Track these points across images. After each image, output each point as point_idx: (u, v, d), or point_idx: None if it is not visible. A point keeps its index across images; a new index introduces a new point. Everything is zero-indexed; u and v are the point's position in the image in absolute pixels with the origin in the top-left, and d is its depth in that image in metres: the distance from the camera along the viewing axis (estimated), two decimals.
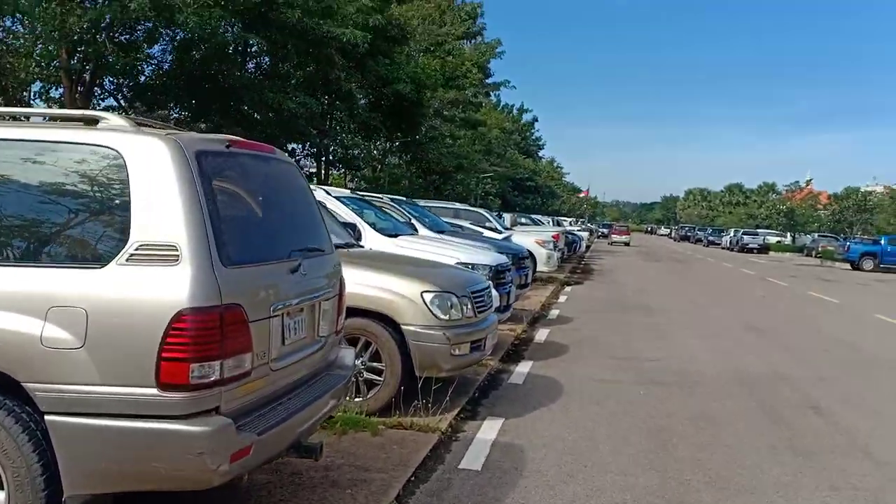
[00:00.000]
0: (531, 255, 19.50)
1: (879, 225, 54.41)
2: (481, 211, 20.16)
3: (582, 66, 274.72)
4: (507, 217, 25.25)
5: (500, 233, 17.67)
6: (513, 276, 11.46)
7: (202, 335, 2.84)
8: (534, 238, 20.05)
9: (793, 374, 9.07)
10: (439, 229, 12.14)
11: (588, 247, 45.48)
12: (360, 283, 5.56)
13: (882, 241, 38.37)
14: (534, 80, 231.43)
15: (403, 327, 5.72)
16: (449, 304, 5.90)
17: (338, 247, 6.45)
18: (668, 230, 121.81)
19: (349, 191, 11.11)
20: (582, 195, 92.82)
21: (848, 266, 38.40)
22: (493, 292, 8.45)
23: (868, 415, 7.29)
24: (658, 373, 8.74)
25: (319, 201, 7.67)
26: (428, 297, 5.81)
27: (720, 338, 11.78)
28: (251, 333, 3.06)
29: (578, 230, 39.78)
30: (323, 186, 9.97)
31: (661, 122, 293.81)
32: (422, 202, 20.84)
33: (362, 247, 7.28)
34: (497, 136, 46.07)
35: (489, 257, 9.14)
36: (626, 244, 57.94)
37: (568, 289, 19.01)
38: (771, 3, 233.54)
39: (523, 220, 27.82)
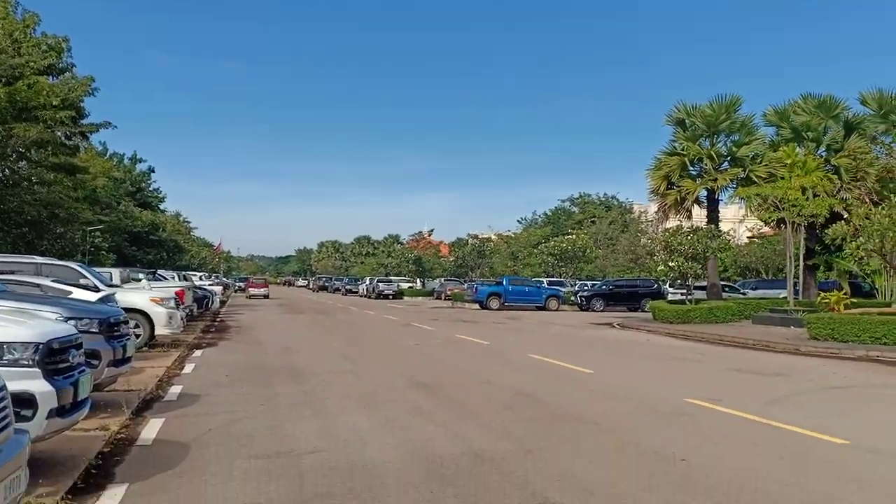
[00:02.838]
0: (147, 317, 15.68)
1: (496, 267, 59.63)
2: (74, 265, 15.57)
3: (200, 120, 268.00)
4: (116, 272, 20.55)
5: (98, 291, 13.46)
6: (101, 350, 7.86)
7: None
8: (149, 296, 16.12)
9: (492, 449, 6.96)
10: None
11: (223, 302, 41.49)
12: None
13: (504, 282, 41.24)
14: (150, 130, 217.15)
15: None
16: None
17: None
18: (307, 281, 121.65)
19: None
20: (214, 249, 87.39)
21: (477, 306, 40.36)
22: (41, 388, 4.94)
23: (608, 500, 5.34)
24: (323, 475, 5.93)
25: None
26: None
27: (389, 404, 9.43)
28: None
29: (210, 285, 35.68)
30: None
31: (288, 180, 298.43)
32: None
33: None
34: (105, 186, 39.82)
35: (33, 330, 5.47)
36: (266, 297, 55.04)
37: (197, 353, 15.41)
38: (374, 72, 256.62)
39: (140, 275, 23.19)
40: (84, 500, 5.23)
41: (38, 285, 12.70)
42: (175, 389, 10.35)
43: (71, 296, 12.37)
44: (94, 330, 8.00)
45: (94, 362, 7.85)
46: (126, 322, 8.91)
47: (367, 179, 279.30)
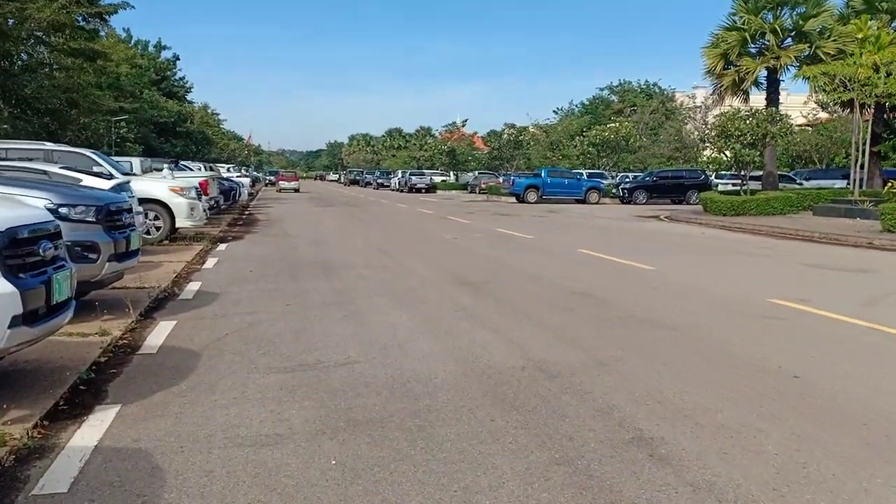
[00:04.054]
0: (167, 208, 14.70)
1: (533, 159, 57.49)
2: (87, 152, 14.47)
3: (226, 6, 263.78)
4: (136, 162, 19.48)
5: (110, 178, 12.38)
6: (99, 242, 6.77)
7: None
8: (168, 185, 15.06)
9: (557, 360, 5.81)
10: None
11: (252, 195, 40.61)
12: None
13: (542, 174, 39.50)
14: (174, 17, 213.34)
15: None
16: None
17: None
18: (338, 175, 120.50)
19: None
20: (245, 142, 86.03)
21: (513, 200, 38.92)
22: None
23: (715, 434, 4.16)
24: (358, 394, 4.84)
25: None
26: None
27: (432, 304, 8.30)
28: None
29: (238, 176, 34.64)
30: None
31: (315, 69, 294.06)
32: None
33: None
34: (128, 73, 38.24)
35: None
36: (296, 190, 54.27)
37: (222, 247, 14.46)
38: None
39: (163, 166, 22.08)
40: (63, 427, 4.20)
41: (44, 172, 11.63)
42: (193, 287, 9.34)
43: (81, 183, 11.32)
44: (90, 219, 6.89)
45: (92, 256, 6.81)
46: (130, 210, 7.77)
47: (396, 71, 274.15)
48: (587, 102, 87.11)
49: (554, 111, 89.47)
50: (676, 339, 6.64)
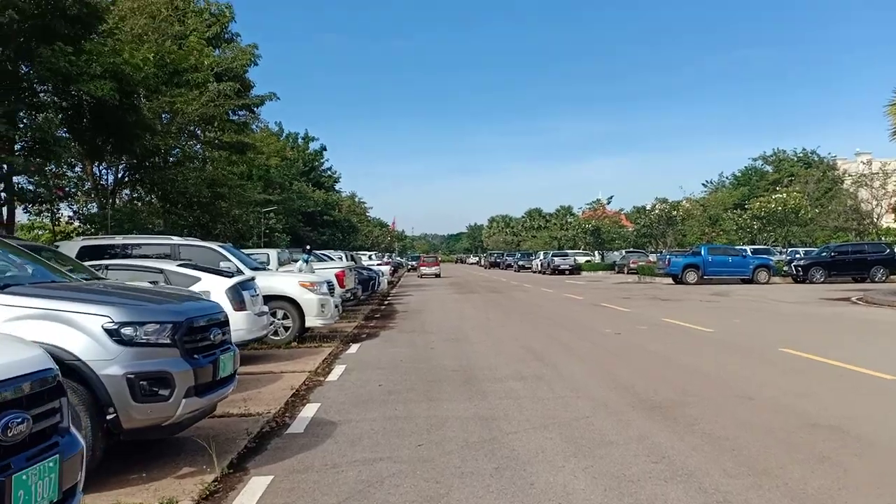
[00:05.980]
0: (296, 305, 13.43)
1: (691, 235, 53.57)
2: (214, 246, 13.50)
3: (364, 101, 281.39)
4: (273, 253, 18.63)
5: (232, 276, 11.15)
6: (171, 372, 5.13)
7: None
8: (297, 280, 13.82)
9: None
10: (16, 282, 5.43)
11: (393, 283, 39.85)
12: None
13: (702, 252, 35.98)
14: (317, 112, 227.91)
15: None
16: None
17: None
18: (477, 258, 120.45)
19: None
20: (389, 229, 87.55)
21: (670, 280, 35.61)
22: None
23: None
24: None
25: None
26: None
27: (615, 449, 5.99)
28: None
29: (378, 265, 33.84)
30: None
31: (452, 157, 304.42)
32: (118, 238, 14.15)
33: None
34: (277, 166, 39.18)
35: None
36: (437, 275, 53.40)
37: (353, 348, 12.85)
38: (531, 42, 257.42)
39: (301, 256, 21.22)
40: None
41: (160, 271, 10.60)
42: (308, 412, 7.57)
43: (196, 284, 10.13)
44: (164, 340, 5.25)
45: (162, 392, 5.15)
46: (223, 324, 6.13)
47: (533, 151, 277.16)
48: (739, 174, 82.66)
49: (703, 184, 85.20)
50: None
